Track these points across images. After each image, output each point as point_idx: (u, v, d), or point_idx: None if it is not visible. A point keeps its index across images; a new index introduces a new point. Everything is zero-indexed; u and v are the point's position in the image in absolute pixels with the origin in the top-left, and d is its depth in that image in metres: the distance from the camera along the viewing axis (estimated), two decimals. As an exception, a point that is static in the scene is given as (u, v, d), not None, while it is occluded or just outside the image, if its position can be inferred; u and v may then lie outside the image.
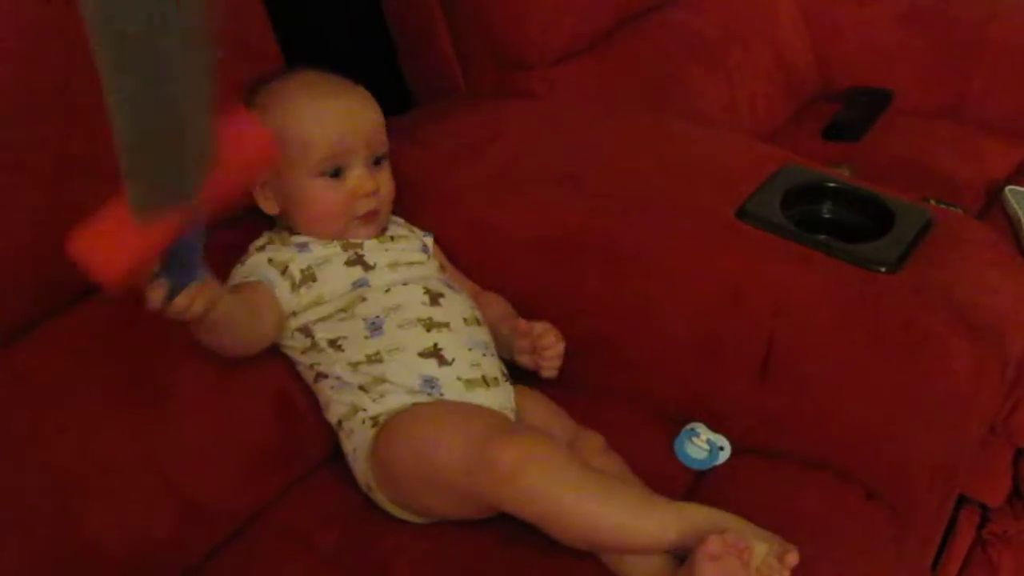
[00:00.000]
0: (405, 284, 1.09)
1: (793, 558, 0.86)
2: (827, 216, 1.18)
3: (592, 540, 0.92)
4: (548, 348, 1.09)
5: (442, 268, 1.17)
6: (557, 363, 1.10)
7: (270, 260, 1.07)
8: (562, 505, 0.89)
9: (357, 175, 1.10)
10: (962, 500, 1.37)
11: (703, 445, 1.10)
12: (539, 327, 1.10)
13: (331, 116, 1.10)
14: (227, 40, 1.09)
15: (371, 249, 1.11)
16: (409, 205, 1.19)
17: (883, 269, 1.06)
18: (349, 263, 1.09)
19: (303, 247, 1.09)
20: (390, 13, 1.57)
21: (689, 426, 1.12)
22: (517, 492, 0.89)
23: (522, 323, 1.11)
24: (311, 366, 1.07)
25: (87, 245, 0.75)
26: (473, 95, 1.54)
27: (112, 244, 0.74)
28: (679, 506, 0.92)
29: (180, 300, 0.85)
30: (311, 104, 1.10)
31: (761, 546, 0.87)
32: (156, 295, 0.83)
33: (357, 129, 1.10)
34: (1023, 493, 1.29)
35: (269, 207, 1.12)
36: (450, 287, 1.12)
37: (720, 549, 0.85)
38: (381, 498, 1.02)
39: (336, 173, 1.09)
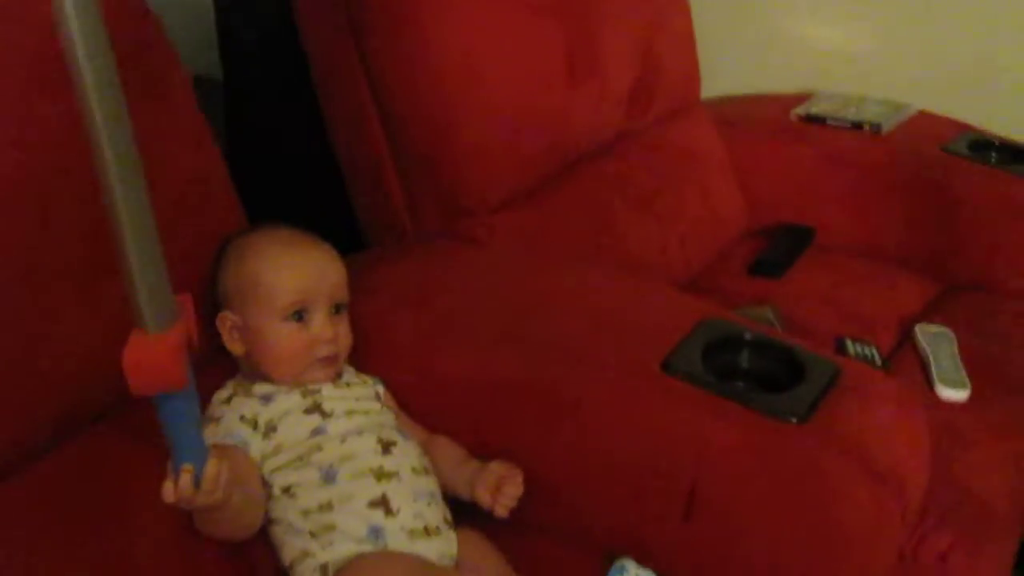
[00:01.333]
0: (360, 433, 1.16)
1: None
2: (745, 366, 1.27)
3: None
4: (511, 490, 1.17)
5: (396, 415, 1.25)
6: (513, 504, 1.18)
7: (242, 417, 1.14)
8: None
9: (320, 321, 1.19)
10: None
11: (632, 582, 1.18)
12: (507, 469, 1.18)
13: (299, 265, 1.20)
14: (190, 202, 1.20)
15: (329, 396, 1.19)
16: (357, 350, 1.27)
17: (793, 420, 1.15)
18: (308, 411, 1.16)
19: (266, 400, 1.17)
20: (342, 156, 1.67)
21: (619, 562, 1.18)
22: None
23: (498, 465, 1.19)
24: (265, 511, 1.14)
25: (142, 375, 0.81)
26: (418, 238, 1.64)
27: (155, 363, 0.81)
28: None
29: (208, 476, 0.91)
30: (282, 253, 1.20)
31: None
32: (185, 482, 0.90)
33: (322, 279, 1.20)
34: (934, 620, 1.38)
35: (235, 348, 1.20)
36: (402, 435, 1.19)
37: None
38: None
39: (300, 318, 1.18)
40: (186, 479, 0.91)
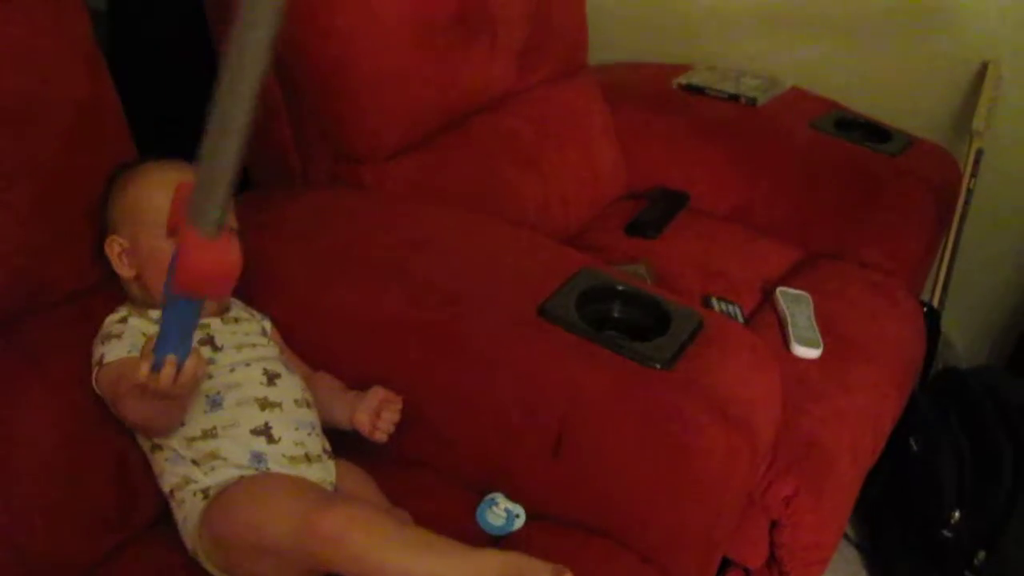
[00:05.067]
0: (247, 364, 1.20)
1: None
2: (616, 315, 1.35)
3: None
4: (390, 415, 1.23)
5: (281, 350, 1.29)
6: (391, 429, 1.24)
7: (144, 334, 1.16)
8: (385, 563, 0.99)
9: None
10: (727, 563, 1.55)
11: (501, 513, 1.23)
12: (387, 393, 1.24)
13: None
14: (82, 129, 1.21)
15: (219, 331, 1.22)
16: (247, 285, 1.30)
17: (658, 366, 1.23)
18: (200, 343, 1.19)
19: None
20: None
21: (490, 496, 1.25)
22: (342, 554, 0.99)
23: (379, 390, 1.25)
24: (148, 437, 1.17)
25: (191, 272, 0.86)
26: (307, 182, 1.66)
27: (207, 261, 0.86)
28: (489, 551, 1.05)
29: (187, 369, 0.97)
30: (162, 177, 1.21)
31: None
32: (167, 374, 0.95)
33: None
34: (777, 557, 1.48)
35: (125, 271, 1.22)
36: (287, 368, 1.23)
37: None
38: (208, 564, 1.11)
39: None
40: (169, 370, 0.96)
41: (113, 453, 1.16)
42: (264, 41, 0.82)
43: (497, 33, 1.80)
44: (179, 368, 0.97)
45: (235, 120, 0.83)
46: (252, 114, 0.84)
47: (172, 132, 1.54)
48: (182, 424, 1.14)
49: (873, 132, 2.14)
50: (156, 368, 0.96)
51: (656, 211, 2.05)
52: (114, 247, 1.21)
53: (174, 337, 0.96)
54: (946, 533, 1.70)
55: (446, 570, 1.01)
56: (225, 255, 0.89)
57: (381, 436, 1.24)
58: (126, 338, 1.17)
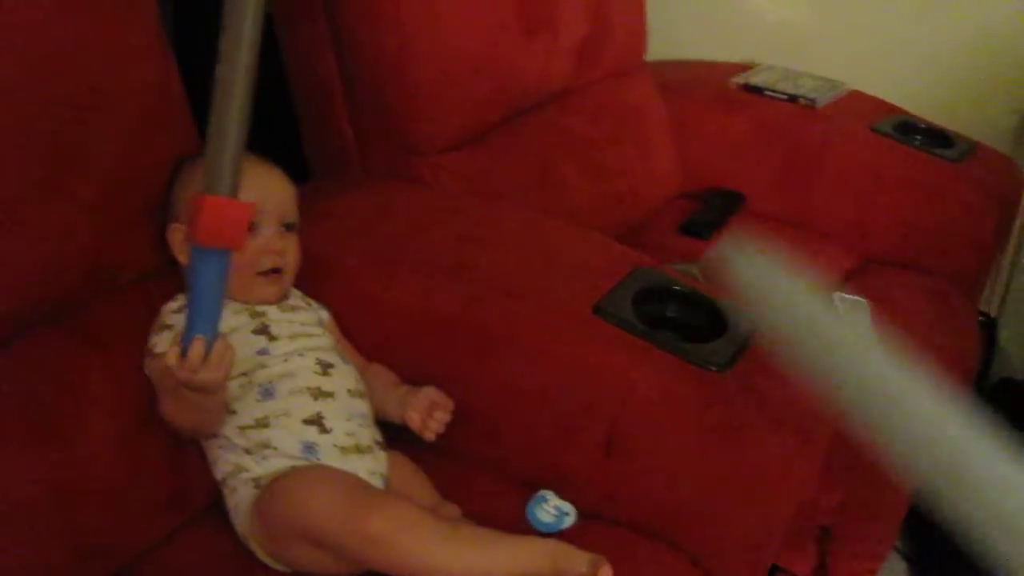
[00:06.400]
0: (301, 355, 1.20)
1: (607, 571, 1.03)
2: (671, 315, 1.34)
3: None
4: (441, 415, 1.24)
5: (337, 341, 1.29)
6: (441, 429, 1.24)
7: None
8: (430, 563, 1.02)
9: (266, 233, 1.22)
10: (775, 569, 1.54)
11: (551, 511, 1.22)
12: (439, 395, 1.25)
13: (249, 178, 1.22)
14: (148, 117, 1.23)
15: (276, 320, 1.23)
16: (304, 276, 1.30)
17: (715, 368, 1.23)
18: (256, 332, 1.20)
19: None
20: (295, 90, 1.69)
21: (540, 493, 1.24)
22: (388, 554, 1.02)
23: (432, 390, 1.26)
24: (187, 439, 1.18)
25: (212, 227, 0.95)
26: (366, 174, 1.67)
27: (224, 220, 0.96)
28: (530, 538, 1.08)
29: (215, 354, 0.99)
30: None
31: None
32: (196, 351, 0.98)
33: (271, 194, 1.23)
34: (826, 565, 1.47)
35: (185, 259, 1.22)
36: (341, 358, 1.24)
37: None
38: (257, 549, 1.12)
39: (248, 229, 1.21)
40: (198, 347, 0.99)
41: (169, 438, 1.17)
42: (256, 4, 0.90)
43: (558, 29, 1.80)
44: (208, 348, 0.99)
45: (235, 88, 0.91)
46: (252, 82, 0.92)
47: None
48: (233, 413, 1.15)
49: (935, 137, 2.11)
50: (185, 354, 0.99)
51: (711, 211, 2.04)
52: (177, 235, 1.22)
53: (199, 315, 0.99)
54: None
55: (490, 565, 1.03)
56: (240, 206, 0.97)
57: (431, 435, 1.24)
58: (177, 329, 1.17)
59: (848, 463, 1.43)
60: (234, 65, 0.92)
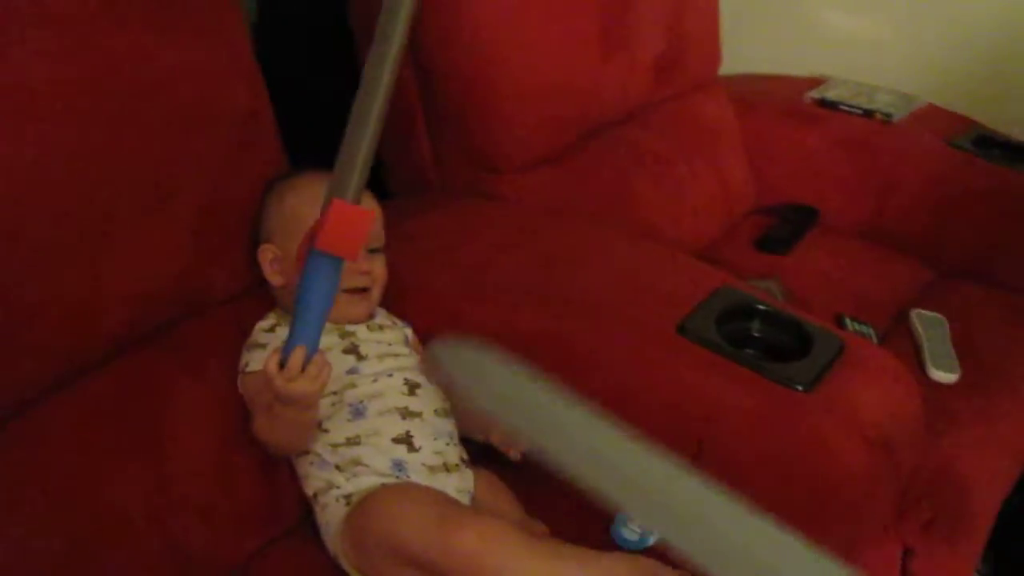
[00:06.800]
0: (389, 375, 1.23)
1: None
2: (756, 334, 1.35)
3: None
4: None
5: (422, 359, 1.31)
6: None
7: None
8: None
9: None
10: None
11: (636, 528, 1.23)
12: None
13: None
14: (241, 140, 1.26)
15: (364, 339, 1.25)
16: (390, 295, 1.33)
17: (800, 388, 1.23)
18: (346, 351, 1.23)
19: None
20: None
21: (623, 514, 1.25)
22: (478, 569, 1.02)
23: None
24: (278, 456, 1.21)
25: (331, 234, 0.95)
26: (446, 192, 1.69)
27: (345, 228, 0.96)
28: (619, 554, 1.09)
29: (313, 366, 1.01)
30: (316, 190, 1.24)
31: None
32: (296, 359, 1.00)
33: None
34: (910, 585, 1.47)
35: (275, 279, 1.26)
36: (426, 378, 1.26)
37: None
38: (348, 565, 1.14)
39: None
40: (299, 355, 1.01)
41: (261, 455, 1.20)
42: (402, 27, 0.93)
43: (636, 47, 1.81)
44: (306, 361, 1.01)
45: (373, 102, 0.93)
46: (389, 98, 0.94)
47: (315, 140, 1.60)
48: (325, 432, 1.18)
49: (1014, 151, 2.07)
50: (283, 364, 1.01)
51: (786, 227, 2.04)
52: (267, 255, 1.25)
53: (302, 326, 1.01)
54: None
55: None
56: (363, 213, 0.97)
57: (515, 455, 1.25)
58: (270, 348, 1.20)
59: (935, 481, 1.42)
60: (376, 80, 0.94)
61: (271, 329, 1.24)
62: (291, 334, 1.02)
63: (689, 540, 0.67)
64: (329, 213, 0.95)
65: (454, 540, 1.03)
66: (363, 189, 0.97)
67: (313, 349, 1.02)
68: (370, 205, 1.29)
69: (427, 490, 1.16)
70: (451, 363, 0.84)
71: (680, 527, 0.69)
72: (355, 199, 0.96)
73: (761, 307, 1.35)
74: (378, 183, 1.74)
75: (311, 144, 1.54)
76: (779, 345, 1.32)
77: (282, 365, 1.01)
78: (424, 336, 1.35)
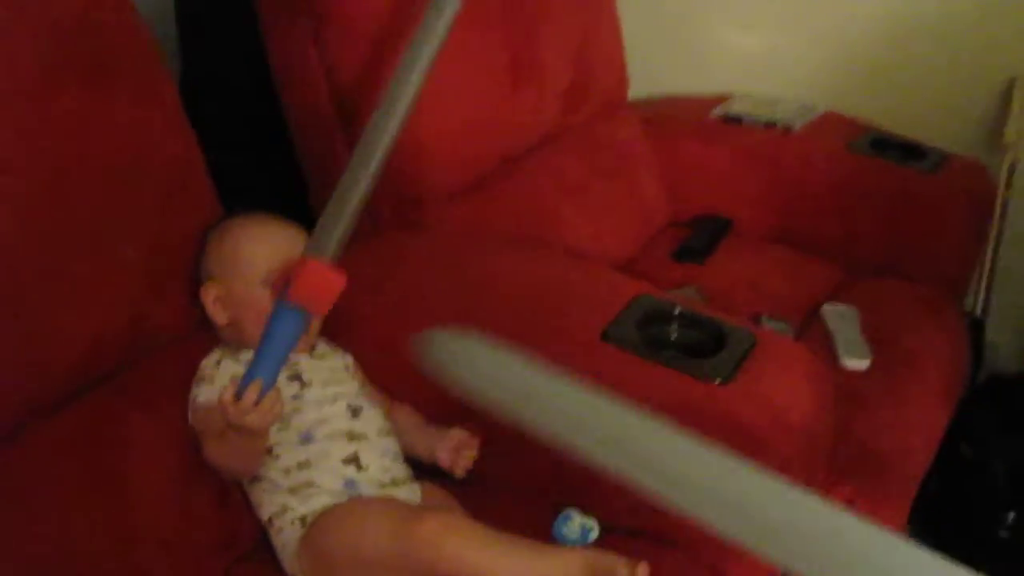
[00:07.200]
0: (333, 401, 1.29)
1: (643, 568, 1.10)
2: (674, 338, 1.43)
3: None
4: (469, 453, 1.31)
5: (362, 384, 1.38)
6: (469, 466, 1.32)
7: (233, 378, 1.22)
8: (484, 562, 1.09)
9: None
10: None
11: (576, 528, 1.29)
12: (466, 435, 1.32)
13: (274, 235, 1.32)
14: (176, 187, 1.32)
15: (307, 367, 1.31)
16: (328, 326, 1.38)
17: (717, 381, 1.31)
18: (289, 379, 1.28)
19: None
20: (298, 144, 1.77)
21: (564, 511, 1.31)
22: (442, 553, 1.08)
23: (459, 431, 1.33)
24: (230, 480, 1.26)
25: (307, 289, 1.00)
26: (372, 225, 1.75)
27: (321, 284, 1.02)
28: (572, 549, 1.17)
29: (267, 401, 1.06)
30: (260, 228, 1.33)
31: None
32: (252, 391, 1.05)
33: (294, 250, 1.28)
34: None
35: (219, 318, 1.31)
36: (368, 402, 1.33)
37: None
38: None
39: None
40: (254, 389, 1.06)
41: (216, 484, 1.26)
42: (413, 92, 1.05)
43: (545, 77, 1.90)
44: (261, 395, 1.07)
45: (362, 173, 1.01)
46: (379, 173, 1.02)
47: (242, 183, 1.66)
48: (276, 457, 1.23)
49: (908, 151, 2.18)
50: (239, 396, 1.06)
51: (702, 237, 2.13)
52: (210, 294, 1.31)
53: (261, 363, 1.06)
54: (1003, 534, 1.76)
55: (541, 566, 1.10)
56: (337, 278, 1.03)
57: (461, 472, 1.32)
58: (217, 381, 1.26)
59: (853, 461, 1.51)
60: (369, 154, 1.02)
61: (216, 364, 1.29)
62: (251, 368, 1.07)
63: (680, 494, 0.73)
64: (305, 271, 1.00)
65: (415, 528, 1.10)
66: (341, 249, 1.04)
67: (268, 385, 1.07)
68: (301, 234, 1.34)
69: (381, 499, 1.23)
70: (438, 352, 0.89)
71: (669, 483, 0.74)
72: (333, 259, 1.02)
73: (677, 311, 1.44)
74: (301, 203, 1.80)
75: (241, 188, 1.61)
76: (696, 345, 1.41)
77: (238, 396, 1.07)
78: (361, 362, 1.41)
